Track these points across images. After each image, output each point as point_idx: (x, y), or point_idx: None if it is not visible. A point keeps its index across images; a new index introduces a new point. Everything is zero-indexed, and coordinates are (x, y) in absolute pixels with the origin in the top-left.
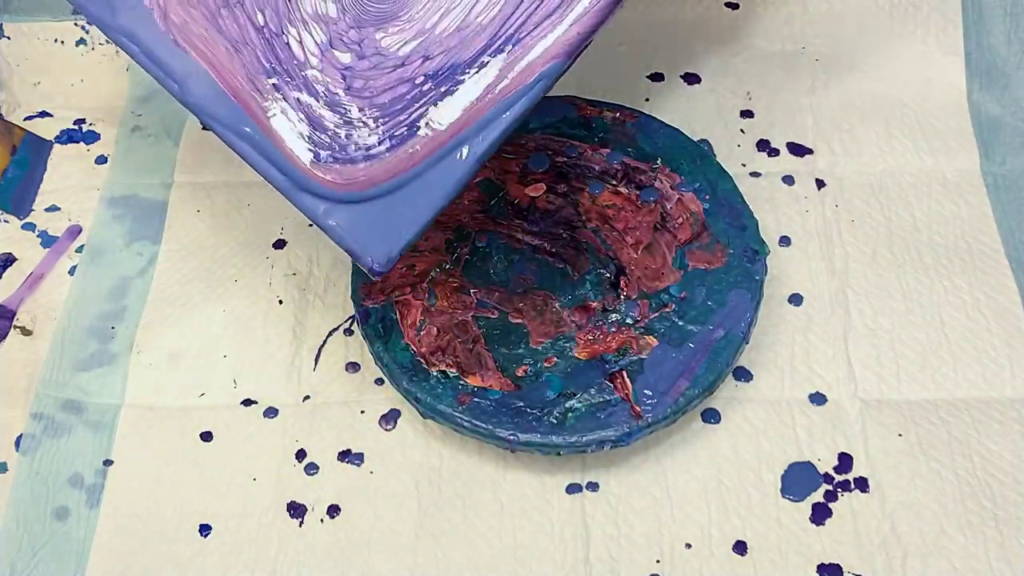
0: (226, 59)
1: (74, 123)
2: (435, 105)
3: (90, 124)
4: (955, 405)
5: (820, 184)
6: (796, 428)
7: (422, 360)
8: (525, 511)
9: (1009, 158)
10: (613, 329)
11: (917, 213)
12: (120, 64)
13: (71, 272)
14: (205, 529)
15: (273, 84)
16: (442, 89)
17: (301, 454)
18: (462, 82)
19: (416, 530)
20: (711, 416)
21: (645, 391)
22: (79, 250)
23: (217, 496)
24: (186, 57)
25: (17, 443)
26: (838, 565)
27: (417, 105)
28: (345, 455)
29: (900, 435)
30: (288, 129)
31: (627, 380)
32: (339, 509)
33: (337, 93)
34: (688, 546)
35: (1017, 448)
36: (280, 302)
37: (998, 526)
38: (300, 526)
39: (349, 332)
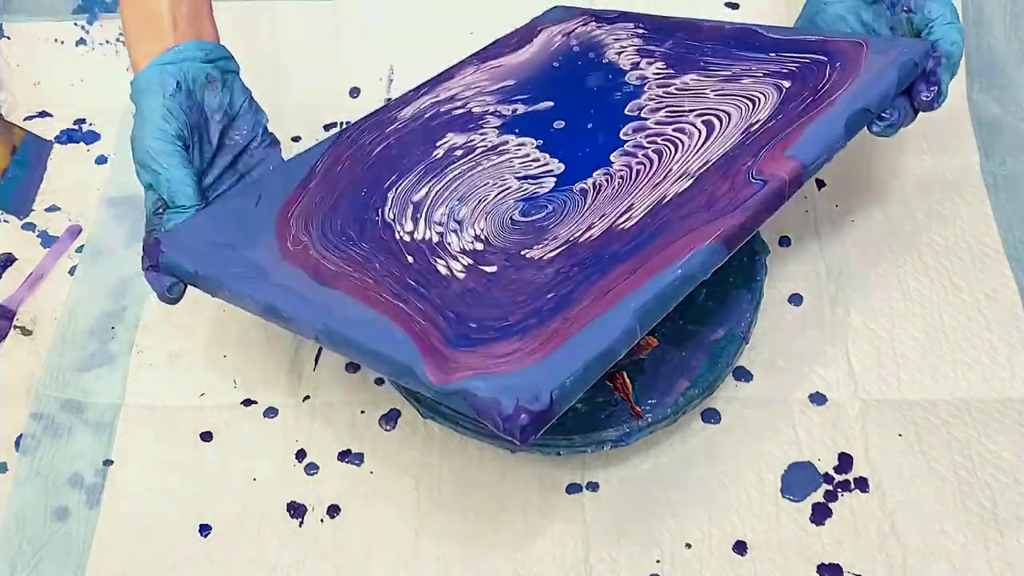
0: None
1: (74, 123)
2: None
3: (90, 124)
4: (955, 405)
5: (820, 184)
6: (796, 428)
7: None
8: (525, 511)
9: (1009, 158)
10: None
11: (917, 213)
12: (120, 64)
13: (71, 272)
14: (205, 529)
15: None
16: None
17: (301, 454)
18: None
19: (416, 530)
20: (711, 416)
21: (645, 391)
22: (79, 250)
23: (217, 496)
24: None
25: (17, 443)
26: (838, 565)
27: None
28: (345, 455)
29: (900, 435)
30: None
31: (627, 380)
32: (339, 509)
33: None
34: (688, 546)
35: (1017, 448)
36: None
37: (998, 526)
38: (300, 526)
39: None
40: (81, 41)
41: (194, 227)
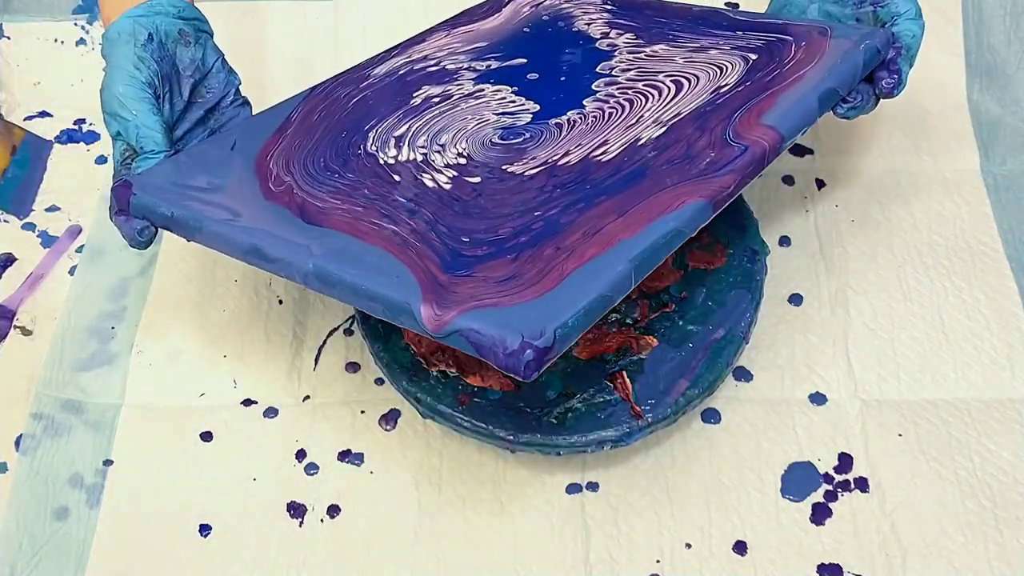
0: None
1: (74, 123)
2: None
3: (90, 124)
4: (955, 405)
5: (820, 184)
6: (796, 428)
7: (422, 360)
8: (525, 511)
9: (1009, 158)
10: (613, 329)
11: (917, 213)
12: None
13: (71, 272)
14: (205, 529)
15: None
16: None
17: (301, 454)
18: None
19: (416, 530)
20: (711, 416)
21: (645, 391)
22: (79, 250)
23: (217, 496)
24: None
25: (17, 443)
26: (838, 565)
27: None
28: (345, 455)
29: (900, 435)
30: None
31: (627, 380)
32: (339, 509)
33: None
34: (688, 546)
35: (1017, 448)
36: (280, 302)
37: (998, 526)
38: (300, 526)
39: (349, 332)
40: (81, 41)
41: (167, 171)
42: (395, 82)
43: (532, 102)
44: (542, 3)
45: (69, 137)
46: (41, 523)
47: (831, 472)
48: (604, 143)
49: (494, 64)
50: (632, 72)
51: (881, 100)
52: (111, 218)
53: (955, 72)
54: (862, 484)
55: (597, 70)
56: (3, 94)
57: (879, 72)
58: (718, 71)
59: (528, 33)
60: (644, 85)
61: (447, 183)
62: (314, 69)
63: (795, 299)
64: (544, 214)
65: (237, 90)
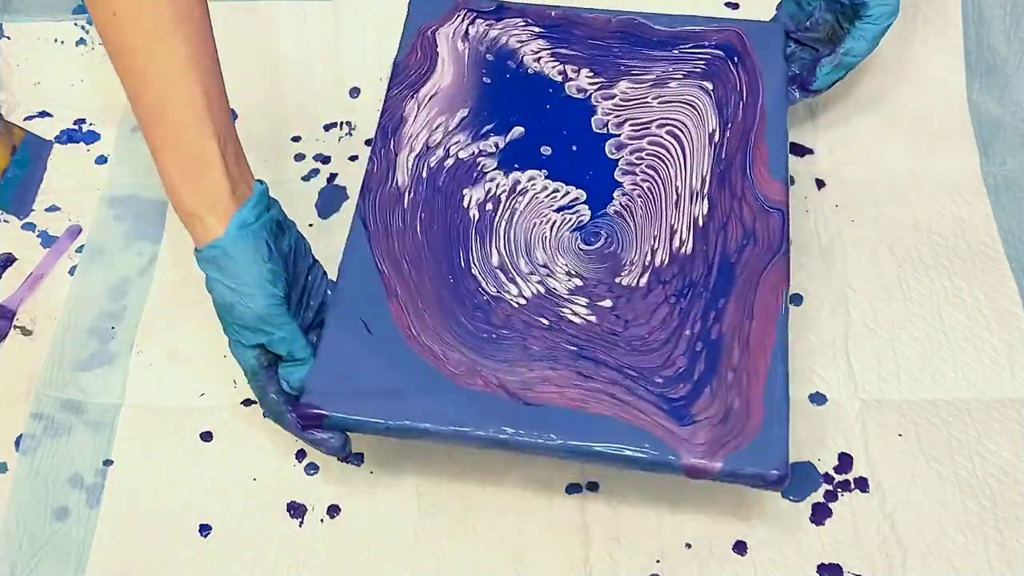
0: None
1: (74, 123)
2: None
3: (90, 124)
4: (955, 405)
5: (820, 184)
6: (796, 428)
7: None
8: (525, 511)
9: (1009, 158)
10: None
11: (917, 213)
12: None
13: (71, 272)
14: (205, 529)
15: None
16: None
17: (301, 454)
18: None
19: (416, 530)
20: None
21: None
22: (79, 250)
23: (217, 496)
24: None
25: (17, 443)
26: (838, 565)
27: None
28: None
29: (900, 435)
30: None
31: None
32: (339, 509)
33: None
34: (688, 546)
35: (1017, 448)
36: None
37: (998, 526)
38: (300, 526)
39: None
40: (81, 41)
41: (325, 378)
42: (433, 195)
43: (573, 187)
44: (468, 34)
45: (69, 137)
46: (41, 523)
47: (831, 472)
48: (672, 231)
49: (499, 141)
50: (626, 127)
51: (882, 99)
52: (307, 437)
53: (955, 72)
54: (862, 484)
55: (595, 130)
56: (3, 94)
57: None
58: (696, 114)
59: (492, 85)
60: (649, 143)
61: (590, 315)
62: (314, 69)
63: (795, 299)
64: (692, 332)
65: (308, 247)
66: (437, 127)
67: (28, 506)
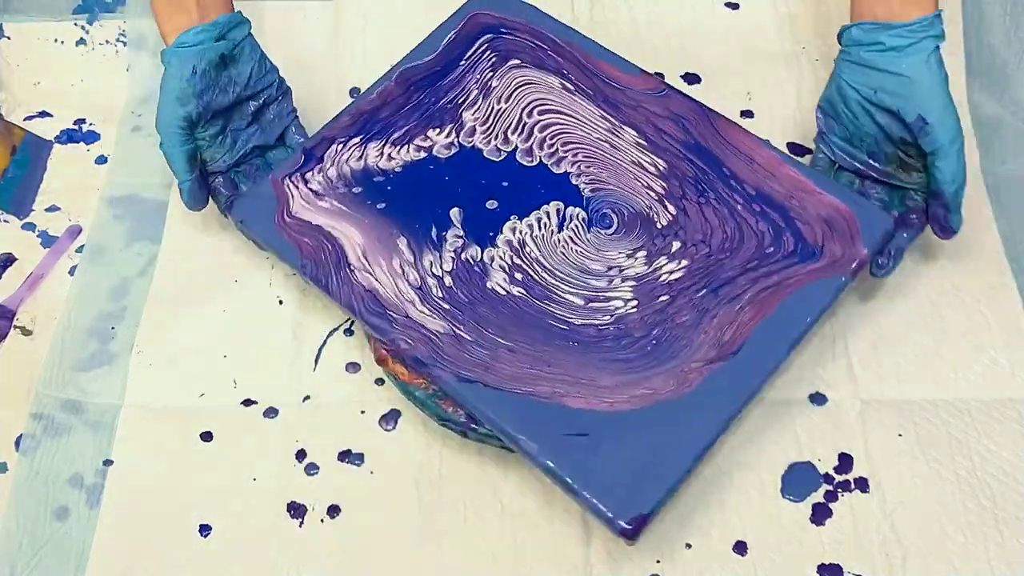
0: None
1: (74, 123)
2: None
3: (90, 124)
4: (955, 405)
5: None
6: (796, 428)
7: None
8: (525, 511)
9: (1009, 158)
10: None
11: None
12: (120, 64)
13: (71, 272)
14: (205, 529)
15: None
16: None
17: (301, 454)
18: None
19: (416, 530)
20: None
21: None
22: (79, 250)
23: (217, 496)
24: None
25: (17, 443)
26: (838, 565)
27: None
28: (345, 455)
29: (900, 435)
30: None
31: None
32: (339, 509)
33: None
34: (688, 546)
35: (1017, 448)
36: (280, 302)
37: (998, 526)
38: (300, 526)
39: (349, 332)
40: (81, 41)
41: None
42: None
43: (546, 205)
44: (323, 182)
45: (69, 137)
46: (41, 523)
47: (831, 472)
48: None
49: (456, 233)
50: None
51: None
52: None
53: (955, 72)
54: (862, 484)
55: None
56: (3, 94)
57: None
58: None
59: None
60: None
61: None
62: (314, 69)
63: None
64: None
65: (280, 82)
66: (403, 275)
67: (28, 506)
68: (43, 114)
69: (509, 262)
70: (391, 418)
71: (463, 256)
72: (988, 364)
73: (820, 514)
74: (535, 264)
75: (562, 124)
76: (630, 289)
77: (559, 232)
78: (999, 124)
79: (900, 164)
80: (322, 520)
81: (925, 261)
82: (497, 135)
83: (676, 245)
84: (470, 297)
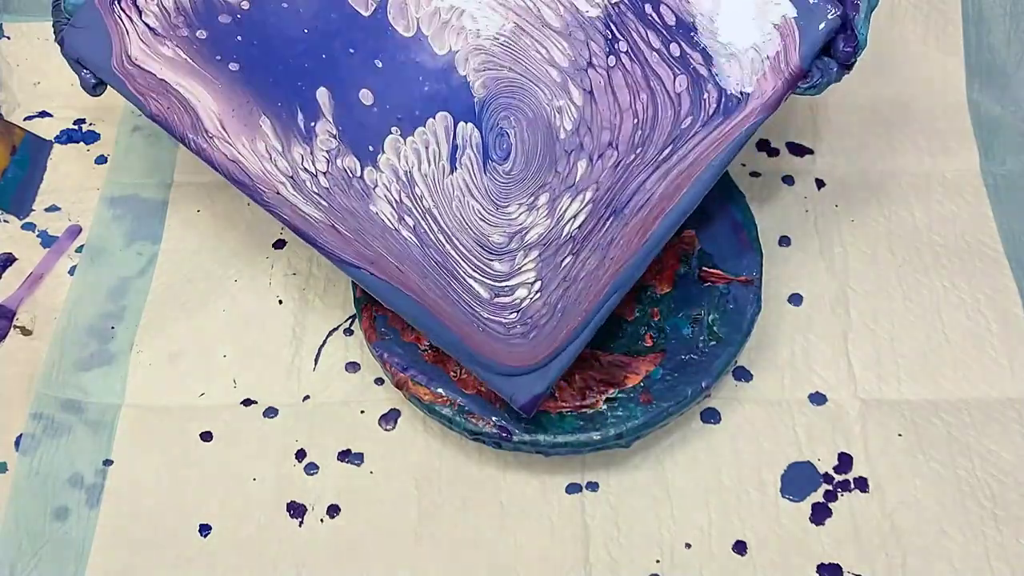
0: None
1: (74, 123)
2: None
3: (90, 124)
4: (955, 405)
5: (820, 184)
6: (796, 428)
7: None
8: (525, 511)
9: (1009, 158)
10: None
11: (917, 213)
12: None
13: (71, 272)
14: (205, 529)
15: None
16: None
17: (301, 454)
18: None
19: (416, 530)
20: (711, 416)
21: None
22: (79, 250)
23: (217, 496)
24: None
25: (17, 443)
26: (838, 565)
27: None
28: (345, 455)
29: (900, 435)
30: None
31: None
32: (339, 509)
33: None
34: (688, 546)
35: (1017, 448)
36: (280, 302)
37: (998, 526)
38: (300, 526)
39: (349, 332)
40: None
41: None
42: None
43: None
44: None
45: (69, 137)
46: (41, 523)
47: (831, 472)
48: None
49: (329, 128)
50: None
51: (881, 99)
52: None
53: (955, 72)
54: (862, 484)
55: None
56: (3, 94)
57: (835, 41)
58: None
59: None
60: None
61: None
62: None
63: (795, 299)
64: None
65: None
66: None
67: (28, 506)
68: (43, 114)
69: (397, 197)
70: (391, 418)
71: (339, 163)
72: (988, 364)
73: (820, 514)
74: (428, 217)
75: None
76: (533, 265)
77: (452, 173)
78: (999, 124)
79: None
80: (322, 520)
81: (924, 260)
82: None
83: (582, 167)
84: (352, 210)
